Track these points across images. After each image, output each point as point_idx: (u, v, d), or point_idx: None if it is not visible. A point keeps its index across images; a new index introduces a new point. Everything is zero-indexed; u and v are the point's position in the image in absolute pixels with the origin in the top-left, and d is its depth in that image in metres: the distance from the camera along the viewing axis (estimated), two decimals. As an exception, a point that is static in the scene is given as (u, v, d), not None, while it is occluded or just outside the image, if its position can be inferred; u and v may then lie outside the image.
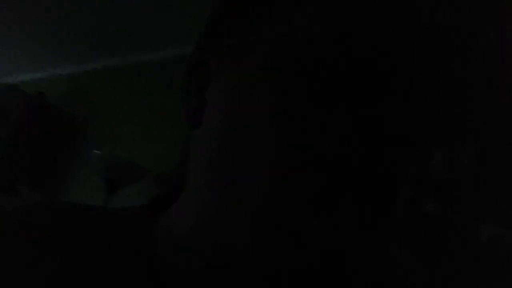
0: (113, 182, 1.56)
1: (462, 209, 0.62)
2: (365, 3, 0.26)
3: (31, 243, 0.31)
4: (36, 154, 1.96)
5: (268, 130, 0.26)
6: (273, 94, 0.26)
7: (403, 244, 0.66)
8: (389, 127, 0.27)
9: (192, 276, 0.29)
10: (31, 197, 1.94)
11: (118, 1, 1.68)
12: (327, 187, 0.25)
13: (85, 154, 1.81)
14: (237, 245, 0.28)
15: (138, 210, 0.35)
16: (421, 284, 0.32)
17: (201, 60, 0.32)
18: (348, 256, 0.28)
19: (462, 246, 0.60)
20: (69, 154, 1.96)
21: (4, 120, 1.86)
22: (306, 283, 0.27)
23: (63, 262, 0.29)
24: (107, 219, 0.33)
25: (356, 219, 0.27)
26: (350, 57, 0.25)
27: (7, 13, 1.87)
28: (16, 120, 1.88)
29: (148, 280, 0.29)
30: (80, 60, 2.20)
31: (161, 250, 0.30)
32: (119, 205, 0.38)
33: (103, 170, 1.56)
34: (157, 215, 0.34)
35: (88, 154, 1.66)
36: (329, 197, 0.26)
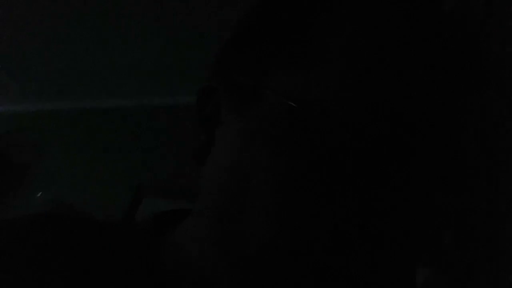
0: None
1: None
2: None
3: (31, 255, 0.30)
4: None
5: (266, 193, 0.26)
6: (274, 156, 0.26)
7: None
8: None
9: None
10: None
11: (73, 43, 1.68)
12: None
13: (27, 197, 1.72)
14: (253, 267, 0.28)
15: (143, 226, 0.35)
16: None
17: (212, 91, 0.31)
18: None
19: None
20: (10, 196, 1.85)
21: None
22: None
23: (63, 275, 0.29)
24: (110, 233, 0.33)
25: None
26: (363, 135, 0.24)
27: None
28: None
29: None
30: (29, 99, 2.14)
31: (170, 268, 0.31)
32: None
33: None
34: (163, 232, 0.34)
35: (30, 196, 1.59)
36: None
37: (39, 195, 1.50)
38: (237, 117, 0.29)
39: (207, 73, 0.32)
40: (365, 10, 0.26)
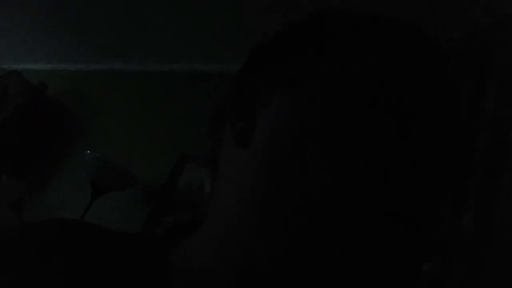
0: (99, 186, 1.54)
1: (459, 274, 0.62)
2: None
3: (39, 261, 0.30)
4: (26, 144, 1.95)
5: (323, 167, 0.28)
6: (329, 131, 0.28)
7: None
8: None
9: None
10: (11, 186, 1.91)
11: (133, 8, 1.71)
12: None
13: (77, 153, 1.79)
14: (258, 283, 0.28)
15: (154, 238, 0.36)
16: None
17: (248, 82, 0.34)
18: None
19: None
20: (60, 150, 1.94)
21: (1, 105, 1.86)
22: None
23: (72, 281, 0.29)
24: (122, 242, 0.34)
25: None
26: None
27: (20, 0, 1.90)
28: (14, 106, 1.87)
29: None
30: (86, 59, 2.22)
31: (176, 280, 0.31)
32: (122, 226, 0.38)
33: (92, 172, 1.54)
34: (174, 244, 0.34)
35: (80, 153, 1.65)
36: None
37: (88, 152, 1.54)
38: (283, 103, 0.31)
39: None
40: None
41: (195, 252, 0.32)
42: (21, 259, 0.30)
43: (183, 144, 1.63)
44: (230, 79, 0.36)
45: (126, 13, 1.75)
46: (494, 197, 0.62)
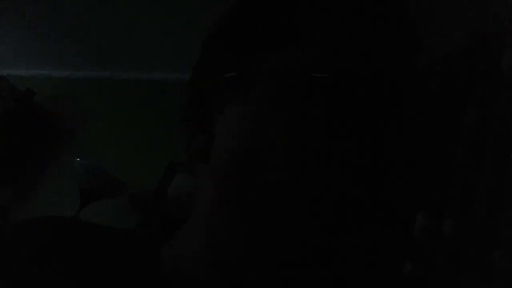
0: (88, 193, 1.54)
1: (440, 277, 0.66)
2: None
3: (33, 260, 0.31)
4: (13, 151, 1.93)
5: (288, 161, 0.29)
6: (288, 126, 0.29)
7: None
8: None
9: None
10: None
11: (126, 15, 1.72)
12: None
13: (65, 160, 1.79)
14: (241, 274, 0.30)
15: (144, 234, 0.38)
16: None
17: (200, 94, 0.35)
18: None
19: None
20: (48, 157, 1.94)
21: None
22: None
23: (66, 278, 0.30)
24: (111, 239, 0.35)
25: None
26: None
27: (5, 6, 1.89)
28: (0, 113, 1.87)
29: None
30: (74, 66, 2.22)
31: (165, 273, 0.33)
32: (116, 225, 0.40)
33: (80, 180, 1.55)
34: (163, 239, 0.36)
35: (68, 160, 1.65)
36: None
37: (77, 160, 1.55)
38: (237, 108, 0.32)
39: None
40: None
41: (182, 246, 0.34)
42: (15, 258, 0.31)
43: (173, 151, 1.64)
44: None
45: (115, 21, 1.77)
46: (474, 202, 0.66)
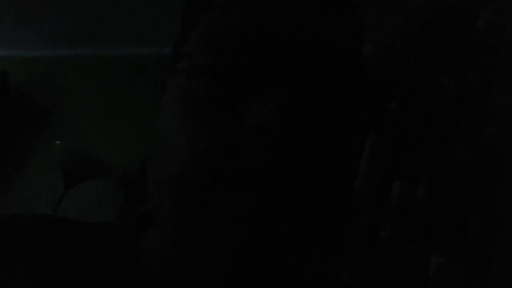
0: (71, 176, 1.53)
1: (413, 238, 0.68)
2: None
3: (9, 258, 0.31)
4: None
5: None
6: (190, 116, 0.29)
7: (356, 270, 0.72)
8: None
9: (168, 282, 0.32)
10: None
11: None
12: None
13: (45, 143, 1.77)
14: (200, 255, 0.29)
15: (124, 226, 0.39)
16: None
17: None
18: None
19: (412, 277, 0.66)
20: (27, 141, 1.91)
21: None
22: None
23: (44, 276, 0.31)
24: (90, 234, 0.35)
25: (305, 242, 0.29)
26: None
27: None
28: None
29: (129, 283, 0.32)
30: (49, 44, 2.16)
31: (144, 260, 0.34)
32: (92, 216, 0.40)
33: (62, 163, 1.53)
34: (142, 229, 0.37)
35: (48, 143, 1.63)
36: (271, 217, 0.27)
37: (57, 142, 1.53)
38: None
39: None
40: None
41: (154, 235, 0.35)
42: None
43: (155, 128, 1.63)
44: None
45: None
46: (448, 168, 0.67)
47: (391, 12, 1.11)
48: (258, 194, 0.26)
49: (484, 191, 0.61)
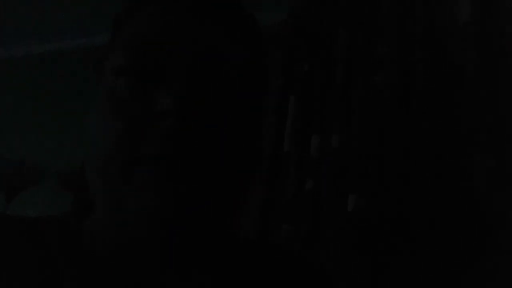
0: (9, 188, 1.51)
1: (333, 184, 0.78)
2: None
3: None
4: None
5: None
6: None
7: (290, 221, 0.82)
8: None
9: (105, 259, 0.38)
10: None
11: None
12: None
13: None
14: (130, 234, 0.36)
15: (67, 215, 0.43)
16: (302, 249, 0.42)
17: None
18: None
19: (334, 215, 0.77)
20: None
21: None
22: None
23: None
24: (31, 225, 0.40)
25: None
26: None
27: None
28: None
29: (74, 266, 0.38)
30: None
31: (85, 243, 0.39)
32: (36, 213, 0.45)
33: (2, 177, 1.50)
34: (84, 216, 0.42)
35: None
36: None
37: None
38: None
39: None
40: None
41: (94, 220, 0.40)
42: None
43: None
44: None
45: None
46: (352, 115, 0.77)
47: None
48: (168, 164, 0.34)
49: (382, 129, 0.72)
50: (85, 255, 0.39)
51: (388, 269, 0.66)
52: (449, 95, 0.68)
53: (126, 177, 0.34)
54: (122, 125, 0.35)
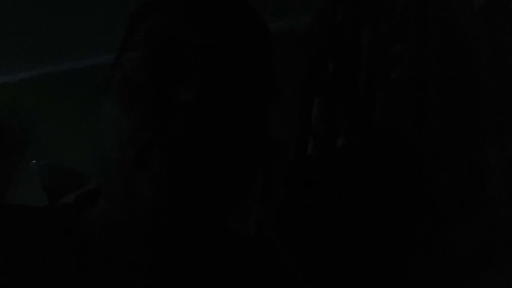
0: (54, 191, 1.60)
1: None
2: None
3: None
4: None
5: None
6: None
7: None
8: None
9: (103, 249, 0.40)
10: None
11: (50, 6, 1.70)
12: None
13: (24, 164, 1.83)
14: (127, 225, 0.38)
15: (67, 206, 0.46)
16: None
17: None
18: None
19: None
20: (7, 166, 1.97)
21: None
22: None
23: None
24: (34, 215, 0.43)
25: None
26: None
27: None
28: None
29: (73, 254, 0.39)
30: (13, 69, 2.20)
31: (82, 232, 0.41)
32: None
33: (43, 180, 1.59)
34: (83, 208, 0.44)
35: (27, 164, 1.69)
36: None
37: (34, 162, 1.59)
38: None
39: None
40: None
41: (93, 211, 0.42)
42: None
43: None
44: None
45: (45, 12, 1.74)
46: (365, 121, 0.75)
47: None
48: (184, 153, 0.35)
49: (401, 128, 0.70)
50: (81, 245, 0.40)
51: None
52: (465, 91, 0.65)
53: (141, 164, 0.35)
54: (140, 113, 0.36)
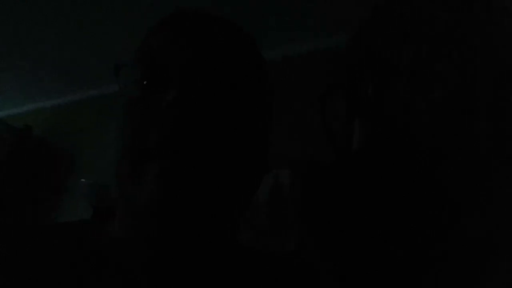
0: (100, 209, 1.64)
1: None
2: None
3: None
4: (24, 187, 2.06)
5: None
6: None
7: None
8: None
9: (105, 265, 0.40)
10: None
11: (92, 29, 1.78)
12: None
13: (73, 184, 1.92)
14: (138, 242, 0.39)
15: (89, 221, 0.47)
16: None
17: None
18: None
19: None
20: (56, 185, 2.06)
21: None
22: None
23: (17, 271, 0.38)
24: (57, 231, 0.44)
25: None
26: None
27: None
28: (4, 155, 1.98)
29: (92, 266, 0.40)
30: (62, 92, 2.31)
31: (103, 247, 0.42)
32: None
33: (91, 199, 1.67)
34: (104, 223, 0.46)
35: (76, 183, 1.77)
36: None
37: (82, 180, 1.67)
38: None
39: None
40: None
41: (112, 227, 0.43)
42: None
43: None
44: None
45: (88, 38, 1.83)
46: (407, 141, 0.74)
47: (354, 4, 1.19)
48: (172, 156, 0.36)
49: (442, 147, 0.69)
50: (85, 261, 0.41)
51: None
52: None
53: (134, 176, 0.37)
54: (132, 125, 0.38)
